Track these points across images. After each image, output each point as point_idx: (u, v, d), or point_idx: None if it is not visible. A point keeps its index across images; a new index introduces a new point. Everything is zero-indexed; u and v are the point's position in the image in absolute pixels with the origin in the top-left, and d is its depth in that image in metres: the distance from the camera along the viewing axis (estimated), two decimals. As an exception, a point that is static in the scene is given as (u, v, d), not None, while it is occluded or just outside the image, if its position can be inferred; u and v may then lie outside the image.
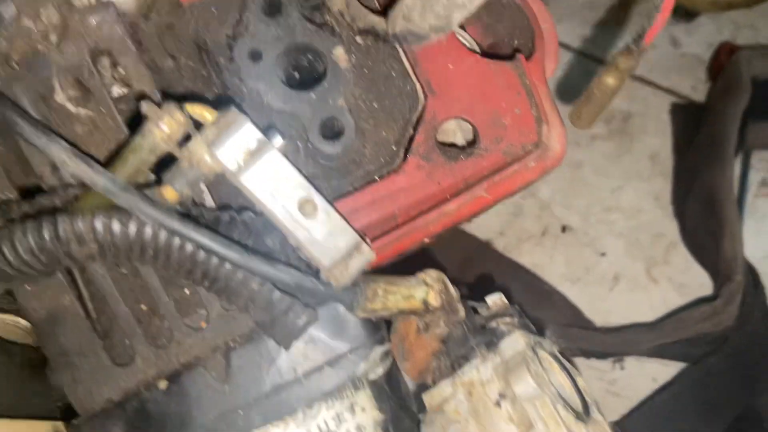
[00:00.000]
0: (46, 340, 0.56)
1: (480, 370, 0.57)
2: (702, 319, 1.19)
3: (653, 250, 1.52)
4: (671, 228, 1.53)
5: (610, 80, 0.61)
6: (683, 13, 1.74)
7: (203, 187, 0.54)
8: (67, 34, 0.50)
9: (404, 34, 0.50)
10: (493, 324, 0.59)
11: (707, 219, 1.29)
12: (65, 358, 0.56)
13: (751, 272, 1.28)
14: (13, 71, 0.50)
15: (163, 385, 0.56)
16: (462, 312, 0.58)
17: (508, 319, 0.59)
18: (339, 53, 0.56)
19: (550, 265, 1.52)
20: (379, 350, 0.59)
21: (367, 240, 0.49)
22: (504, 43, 0.72)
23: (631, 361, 1.41)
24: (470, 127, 0.64)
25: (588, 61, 1.68)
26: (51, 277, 0.55)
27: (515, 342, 0.57)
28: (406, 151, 0.63)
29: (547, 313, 1.31)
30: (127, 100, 0.56)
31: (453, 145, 0.65)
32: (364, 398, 0.61)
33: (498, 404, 0.56)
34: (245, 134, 0.45)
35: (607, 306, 1.48)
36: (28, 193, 0.53)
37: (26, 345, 0.83)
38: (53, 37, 0.49)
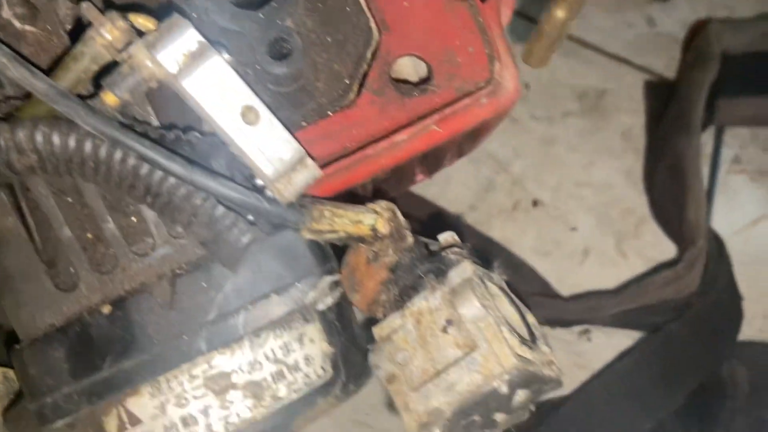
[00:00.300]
0: (-12, 264, 0.57)
1: (428, 299, 0.58)
2: (664, 284, 1.20)
3: (623, 224, 1.55)
4: (642, 203, 1.55)
5: (559, 13, 0.62)
6: (659, -7, 1.77)
7: (150, 109, 0.55)
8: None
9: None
10: (442, 254, 0.60)
11: (673, 187, 1.31)
12: (8, 282, 0.57)
13: (717, 241, 1.31)
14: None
15: (106, 309, 0.56)
16: (410, 239, 0.59)
17: (457, 250, 0.60)
18: (288, -27, 0.57)
19: (520, 238, 1.54)
20: (328, 279, 0.60)
21: (313, 156, 0.50)
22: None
23: (598, 334, 1.43)
24: (424, 64, 0.65)
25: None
26: (-6, 198, 0.55)
27: (463, 270, 0.58)
28: (360, 86, 0.64)
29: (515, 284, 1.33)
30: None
31: (406, 82, 0.66)
32: (313, 330, 0.61)
33: (445, 330, 0.57)
34: (187, 38, 0.45)
35: (576, 280, 1.50)
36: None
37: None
38: (-3, -51, 0.50)
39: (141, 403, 0.56)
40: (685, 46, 1.69)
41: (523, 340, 0.56)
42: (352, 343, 0.65)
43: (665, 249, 1.50)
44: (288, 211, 0.51)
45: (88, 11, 0.45)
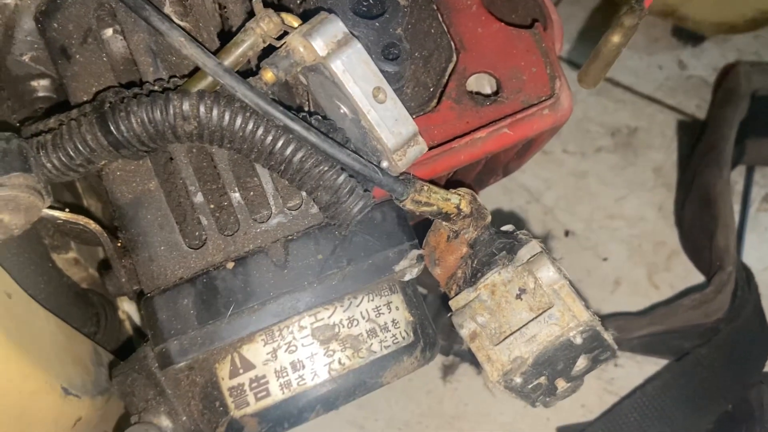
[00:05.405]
0: (128, 222, 0.71)
1: (501, 273, 0.72)
2: (692, 307, 1.33)
3: (655, 257, 1.69)
4: (673, 237, 1.70)
5: (615, 38, 0.78)
6: (689, 37, 1.96)
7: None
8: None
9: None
10: (515, 233, 0.74)
11: (703, 217, 1.45)
12: (144, 239, 0.70)
13: (745, 270, 1.44)
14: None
15: (230, 265, 0.69)
16: (489, 217, 0.73)
17: (526, 231, 0.75)
18: (399, -8, 0.73)
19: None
20: (415, 252, 0.73)
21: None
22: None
23: (626, 361, 1.55)
24: (494, 79, 0.81)
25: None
26: (140, 164, 0.69)
27: (532, 248, 0.72)
28: (441, 94, 0.79)
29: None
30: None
31: (479, 93, 0.82)
32: (398, 299, 0.75)
33: (519, 297, 0.71)
34: (334, 28, 0.60)
35: (607, 308, 1.63)
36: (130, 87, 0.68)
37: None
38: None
39: (255, 349, 0.69)
40: (715, 89, 1.87)
41: (586, 305, 0.70)
42: (425, 317, 0.79)
43: (697, 282, 1.64)
44: (397, 182, 0.65)
45: (256, 4, 0.60)
